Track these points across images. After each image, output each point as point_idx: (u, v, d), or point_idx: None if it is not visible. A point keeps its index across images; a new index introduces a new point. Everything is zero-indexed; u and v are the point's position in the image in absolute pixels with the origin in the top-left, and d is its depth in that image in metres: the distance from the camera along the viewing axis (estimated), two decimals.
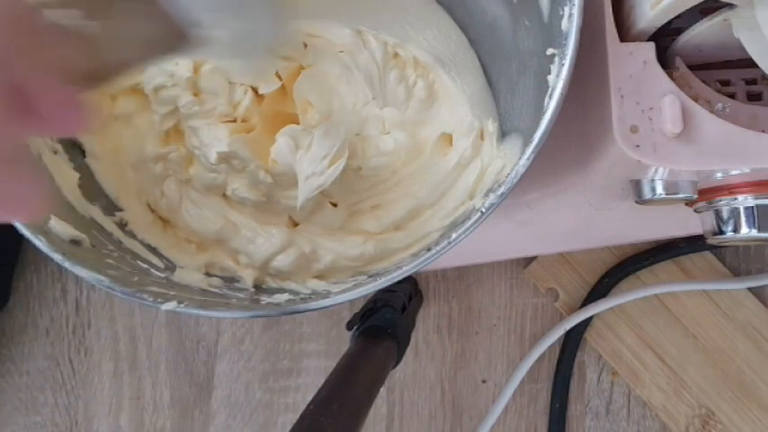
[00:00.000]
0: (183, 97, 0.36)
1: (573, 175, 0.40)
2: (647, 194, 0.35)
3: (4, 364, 0.51)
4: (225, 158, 0.36)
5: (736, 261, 0.49)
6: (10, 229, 0.28)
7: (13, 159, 0.20)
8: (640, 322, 0.48)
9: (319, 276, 0.35)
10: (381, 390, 0.37)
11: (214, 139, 0.36)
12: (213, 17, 0.26)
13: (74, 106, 0.21)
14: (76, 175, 0.34)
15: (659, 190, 0.35)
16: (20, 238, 0.30)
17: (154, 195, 0.37)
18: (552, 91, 0.27)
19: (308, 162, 0.34)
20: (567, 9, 0.28)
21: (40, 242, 0.28)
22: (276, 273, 0.36)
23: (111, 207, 0.35)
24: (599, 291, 0.48)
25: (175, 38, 0.26)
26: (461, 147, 0.36)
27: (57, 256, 0.29)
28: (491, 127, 0.36)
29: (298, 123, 0.37)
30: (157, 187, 0.37)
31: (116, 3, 0.25)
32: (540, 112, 0.27)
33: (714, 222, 0.36)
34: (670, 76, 0.30)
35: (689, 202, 0.37)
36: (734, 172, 0.32)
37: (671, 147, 0.30)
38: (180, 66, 0.35)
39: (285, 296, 0.32)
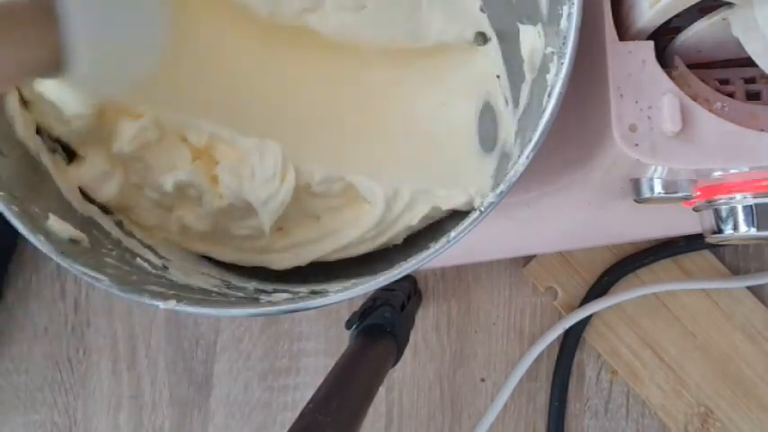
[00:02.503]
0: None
1: (572, 173, 0.40)
2: (646, 193, 0.35)
3: (2, 362, 0.51)
4: (181, 188, 0.34)
5: (736, 260, 0.49)
6: (4, 225, 0.28)
7: None
8: (639, 321, 0.48)
9: None
10: (380, 388, 0.37)
11: (171, 166, 0.34)
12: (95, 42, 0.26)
13: None
14: None
15: (658, 189, 0.35)
16: (14, 235, 0.30)
17: None
18: (551, 90, 0.27)
19: (260, 187, 0.33)
20: (566, 8, 0.28)
21: (39, 241, 0.28)
22: None
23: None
24: (598, 290, 0.48)
25: (48, 64, 0.26)
26: None
27: (56, 256, 0.29)
28: None
29: None
30: None
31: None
32: (539, 111, 0.27)
33: (713, 221, 0.36)
34: (669, 75, 0.30)
35: (688, 201, 0.37)
36: (733, 171, 0.32)
37: (670, 146, 0.30)
38: None
39: (284, 295, 0.32)
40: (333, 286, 0.32)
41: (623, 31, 0.32)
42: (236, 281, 0.35)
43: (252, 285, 0.35)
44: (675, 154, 0.30)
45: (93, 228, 0.33)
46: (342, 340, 0.50)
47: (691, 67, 0.32)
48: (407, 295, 0.43)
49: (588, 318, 0.48)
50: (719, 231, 0.36)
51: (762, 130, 0.30)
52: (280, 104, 0.38)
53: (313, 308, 0.29)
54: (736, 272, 0.48)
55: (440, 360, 0.49)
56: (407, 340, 0.39)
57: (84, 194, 0.34)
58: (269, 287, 0.34)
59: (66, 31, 0.25)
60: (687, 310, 0.48)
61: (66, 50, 0.26)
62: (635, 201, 0.37)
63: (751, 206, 0.34)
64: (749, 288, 0.48)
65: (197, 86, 0.36)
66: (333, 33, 0.37)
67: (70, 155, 0.34)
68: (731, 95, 0.32)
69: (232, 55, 0.38)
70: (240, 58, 0.38)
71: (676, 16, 0.30)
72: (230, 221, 0.36)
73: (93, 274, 0.29)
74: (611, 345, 0.48)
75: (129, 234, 0.35)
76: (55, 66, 0.26)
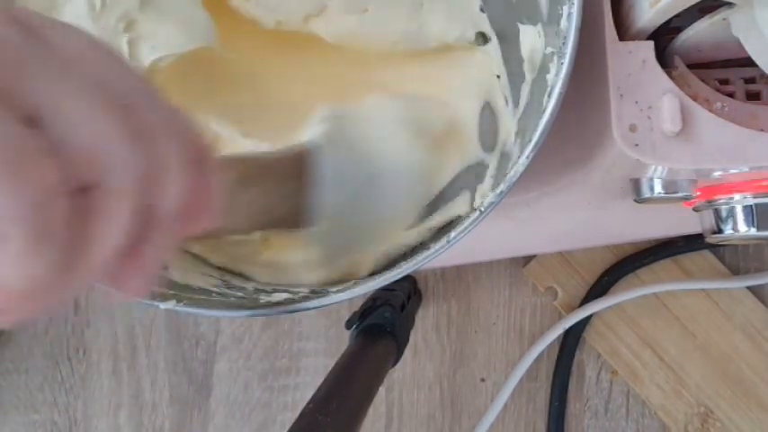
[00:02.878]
0: None
1: (572, 173, 0.40)
2: (646, 193, 0.35)
3: (2, 362, 0.51)
4: None
5: (735, 260, 0.49)
6: None
7: None
8: (639, 321, 0.48)
9: None
10: (380, 388, 0.37)
11: None
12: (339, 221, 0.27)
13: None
14: None
15: (658, 189, 0.35)
16: None
17: None
18: (551, 90, 0.27)
19: None
20: (566, 8, 0.28)
21: None
22: None
23: None
24: (598, 290, 0.48)
25: (291, 220, 0.26)
26: None
27: None
28: None
29: None
30: None
31: (270, 179, 0.25)
32: (539, 111, 0.27)
33: (713, 221, 0.36)
34: (669, 75, 0.30)
35: (688, 201, 0.37)
36: (733, 171, 0.32)
37: (670, 146, 0.30)
38: None
39: (284, 295, 0.32)
40: (333, 286, 0.32)
41: (623, 31, 0.32)
42: (236, 281, 0.35)
43: (252, 285, 0.35)
44: (675, 154, 0.30)
45: None
46: (342, 340, 0.50)
47: (691, 67, 0.32)
48: (407, 295, 0.43)
49: (588, 318, 0.48)
50: (719, 231, 0.36)
51: (762, 130, 0.30)
52: (281, 106, 0.38)
53: (313, 308, 0.29)
54: (736, 272, 0.48)
55: (440, 360, 0.49)
56: (407, 340, 0.39)
57: None
58: (269, 287, 0.34)
59: (316, 193, 0.26)
60: (687, 310, 0.48)
61: (311, 211, 0.26)
62: (635, 201, 0.37)
63: (751, 206, 0.34)
64: (749, 288, 0.48)
65: (206, 89, 0.36)
66: (336, 37, 0.37)
67: None
68: (731, 95, 0.32)
69: (235, 57, 0.38)
70: (242, 60, 0.38)
71: (676, 16, 0.30)
72: None
73: None
74: (611, 345, 0.48)
75: None
76: (293, 223, 0.26)
